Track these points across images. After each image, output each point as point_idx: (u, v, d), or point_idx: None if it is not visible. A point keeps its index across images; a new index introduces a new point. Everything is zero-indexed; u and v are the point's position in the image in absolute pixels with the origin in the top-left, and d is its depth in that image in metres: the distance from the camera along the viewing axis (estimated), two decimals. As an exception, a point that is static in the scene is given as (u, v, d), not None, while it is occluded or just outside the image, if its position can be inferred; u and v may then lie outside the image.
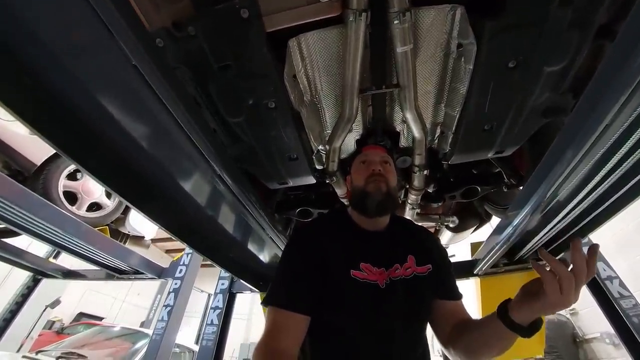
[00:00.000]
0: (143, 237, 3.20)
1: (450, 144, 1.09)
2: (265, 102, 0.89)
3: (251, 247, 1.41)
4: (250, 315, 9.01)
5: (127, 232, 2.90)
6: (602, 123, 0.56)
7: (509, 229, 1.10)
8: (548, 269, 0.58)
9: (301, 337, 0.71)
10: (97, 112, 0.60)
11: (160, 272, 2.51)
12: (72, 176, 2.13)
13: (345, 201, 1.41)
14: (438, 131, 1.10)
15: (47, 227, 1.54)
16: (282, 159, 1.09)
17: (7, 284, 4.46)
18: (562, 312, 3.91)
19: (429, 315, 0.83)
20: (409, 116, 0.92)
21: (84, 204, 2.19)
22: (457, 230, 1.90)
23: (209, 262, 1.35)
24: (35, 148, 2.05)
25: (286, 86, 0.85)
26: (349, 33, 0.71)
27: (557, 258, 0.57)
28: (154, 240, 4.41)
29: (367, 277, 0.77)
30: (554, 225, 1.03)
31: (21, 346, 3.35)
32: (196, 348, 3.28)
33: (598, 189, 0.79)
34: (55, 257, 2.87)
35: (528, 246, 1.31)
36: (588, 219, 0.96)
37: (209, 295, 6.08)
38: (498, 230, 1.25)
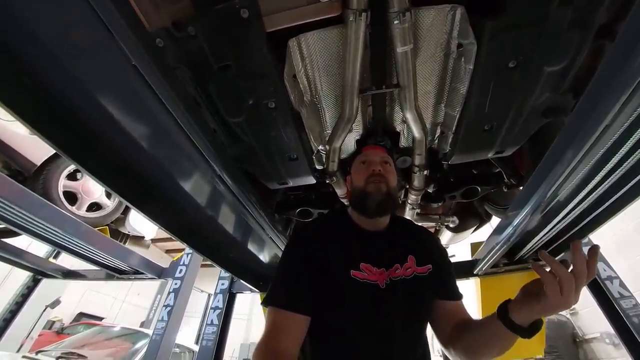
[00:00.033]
0: (143, 237, 3.20)
1: (451, 144, 1.09)
2: (265, 102, 0.89)
3: (251, 247, 1.41)
4: (250, 316, 9.01)
5: (127, 232, 2.90)
6: (603, 123, 0.57)
7: (509, 229, 1.10)
8: (548, 270, 0.58)
9: (301, 338, 0.71)
10: (97, 112, 0.60)
11: (160, 272, 2.51)
12: (72, 176, 2.12)
13: (345, 201, 1.41)
14: (438, 131, 1.10)
15: (47, 227, 1.54)
16: (282, 159, 1.09)
17: (7, 284, 4.45)
18: (562, 312, 3.91)
19: (429, 316, 0.83)
20: (409, 116, 0.92)
21: (84, 204, 2.19)
22: (457, 230, 1.90)
23: (209, 262, 1.35)
24: (35, 148, 2.04)
25: (286, 86, 0.85)
26: (349, 33, 0.71)
27: (557, 259, 0.57)
28: (154, 240, 4.40)
29: (367, 278, 0.77)
30: (554, 225, 1.03)
31: (21, 346, 3.34)
32: (196, 348, 3.28)
33: (598, 189, 0.79)
34: (55, 257, 2.88)
35: (528, 246, 1.31)
36: (588, 219, 0.96)
37: (209, 295, 6.08)
38: (498, 230, 1.25)
